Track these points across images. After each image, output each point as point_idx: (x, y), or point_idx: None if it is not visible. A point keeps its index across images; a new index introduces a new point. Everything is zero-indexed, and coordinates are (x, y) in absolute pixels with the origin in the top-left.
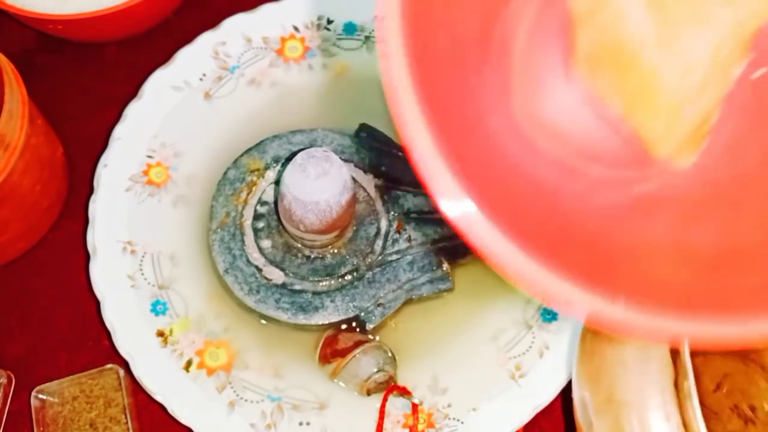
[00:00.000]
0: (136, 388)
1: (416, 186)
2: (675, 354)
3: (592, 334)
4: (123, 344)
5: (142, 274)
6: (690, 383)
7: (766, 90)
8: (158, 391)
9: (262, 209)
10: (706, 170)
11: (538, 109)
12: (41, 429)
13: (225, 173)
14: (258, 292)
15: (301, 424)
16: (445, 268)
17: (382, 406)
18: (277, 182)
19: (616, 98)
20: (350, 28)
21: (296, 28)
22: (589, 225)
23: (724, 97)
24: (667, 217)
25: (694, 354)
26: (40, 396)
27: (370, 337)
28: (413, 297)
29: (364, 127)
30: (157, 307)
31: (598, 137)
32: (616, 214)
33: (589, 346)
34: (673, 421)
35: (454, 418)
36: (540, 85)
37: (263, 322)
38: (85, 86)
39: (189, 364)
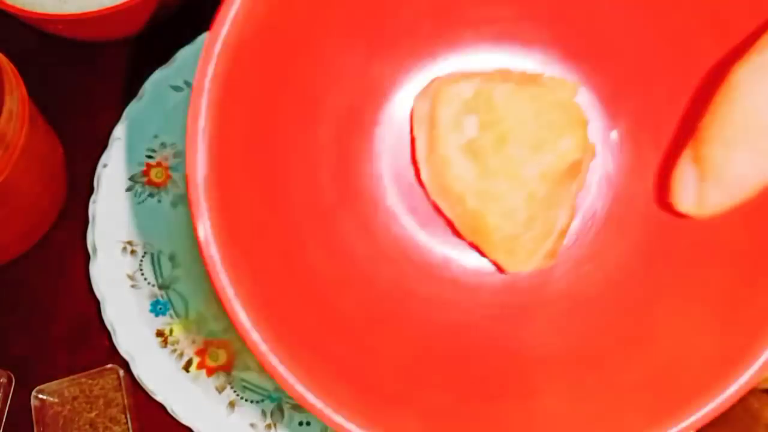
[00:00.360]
0: (136, 388)
1: None
2: None
3: None
4: (123, 344)
5: (142, 274)
6: None
7: (622, 187)
8: (158, 391)
9: None
10: (571, 267)
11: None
12: (41, 429)
13: None
14: None
15: (301, 424)
16: None
17: None
18: None
19: (460, 229)
20: None
21: None
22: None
23: (572, 202)
24: (535, 321)
25: None
26: (40, 396)
27: None
28: None
29: None
30: (157, 307)
31: (457, 252)
32: (477, 325)
33: None
34: None
35: None
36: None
37: None
38: (85, 86)
39: (189, 364)
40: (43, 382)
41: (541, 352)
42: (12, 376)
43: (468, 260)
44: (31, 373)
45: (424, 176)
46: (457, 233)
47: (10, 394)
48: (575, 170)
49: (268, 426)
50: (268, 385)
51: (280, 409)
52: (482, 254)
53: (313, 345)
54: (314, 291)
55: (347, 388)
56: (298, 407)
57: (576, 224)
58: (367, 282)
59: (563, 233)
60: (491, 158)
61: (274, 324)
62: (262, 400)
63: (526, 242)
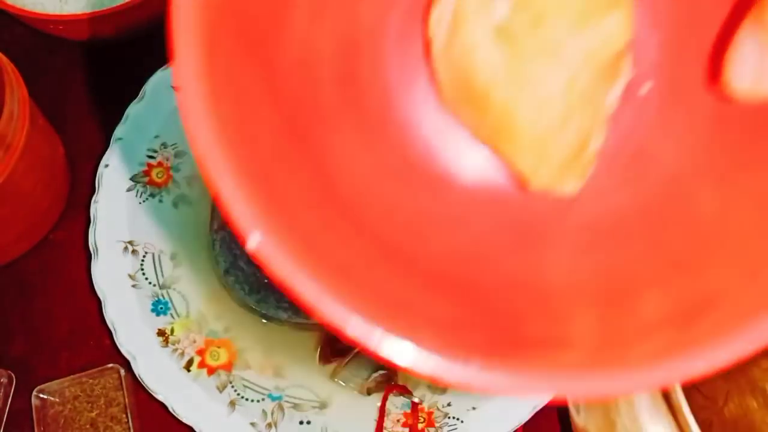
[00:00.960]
0: (137, 388)
1: None
2: None
3: None
4: (124, 344)
5: (143, 273)
6: None
7: (658, 106)
8: (159, 391)
9: None
10: (599, 195)
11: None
12: (42, 429)
13: None
14: (259, 291)
15: (301, 423)
16: None
17: (383, 405)
18: None
19: (480, 133)
20: None
21: None
22: (463, 266)
23: (605, 119)
24: (556, 250)
25: None
26: (41, 396)
27: None
28: None
29: None
30: (158, 307)
31: (472, 169)
32: (493, 250)
33: None
34: (657, 397)
35: (453, 417)
36: (411, 118)
37: (264, 321)
38: (86, 86)
39: (190, 363)
40: (44, 382)
41: (558, 283)
42: (12, 375)
43: (485, 178)
44: (32, 372)
45: (441, 75)
46: (477, 142)
47: (11, 393)
48: (617, 67)
49: (269, 425)
50: (269, 385)
51: (281, 409)
52: (504, 164)
53: (316, 247)
54: (316, 195)
55: (354, 289)
56: (299, 406)
57: (606, 147)
58: (370, 197)
59: (592, 155)
60: (526, 39)
61: (276, 220)
62: (263, 400)
63: (557, 150)
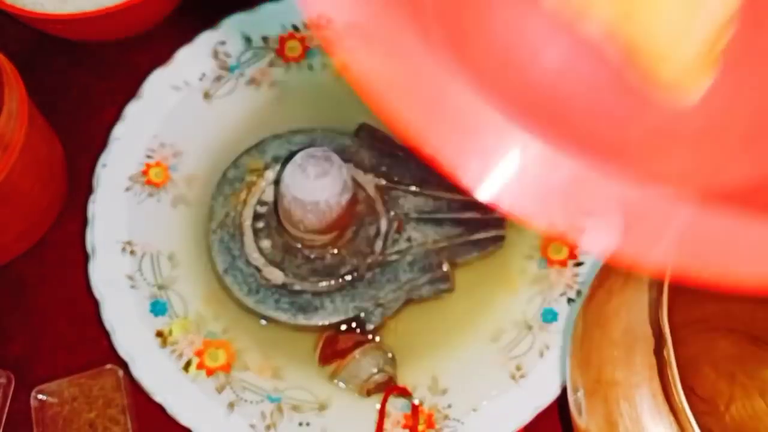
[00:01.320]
0: (135, 389)
1: (417, 186)
2: (660, 338)
3: (583, 320)
4: (122, 344)
5: (142, 274)
6: (669, 349)
7: None
8: (157, 392)
9: (261, 209)
10: (721, 99)
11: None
12: (41, 429)
13: (224, 173)
14: (257, 292)
15: (300, 424)
16: (445, 269)
17: (382, 407)
18: (277, 182)
19: (599, 10)
20: None
21: (296, 28)
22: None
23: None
24: (677, 158)
25: (692, 342)
26: (40, 396)
27: (370, 337)
28: (413, 297)
29: (364, 127)
30: (157, 308)
31: (576, 71)
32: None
33: (580, 332)
34: (659, 398)
35: (454, 419)
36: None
37: (263, 322)
38: (85, 86)
39: (188, 364)
40: (43, 383)
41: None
42: (12, 376)
43: (591, 77)
44: (31, 373)
45: None
46: (594, 29)
47: (10, 394)
48: None
49: (268, 427)
50: (268, 386)
51: (280, 410)
52: (628, 53)
53: None
54: None
55: None
56: (298, 408)
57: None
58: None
59: (720, 52)
60: None
61: None
62: (262, 401)
63: (697, 35)
